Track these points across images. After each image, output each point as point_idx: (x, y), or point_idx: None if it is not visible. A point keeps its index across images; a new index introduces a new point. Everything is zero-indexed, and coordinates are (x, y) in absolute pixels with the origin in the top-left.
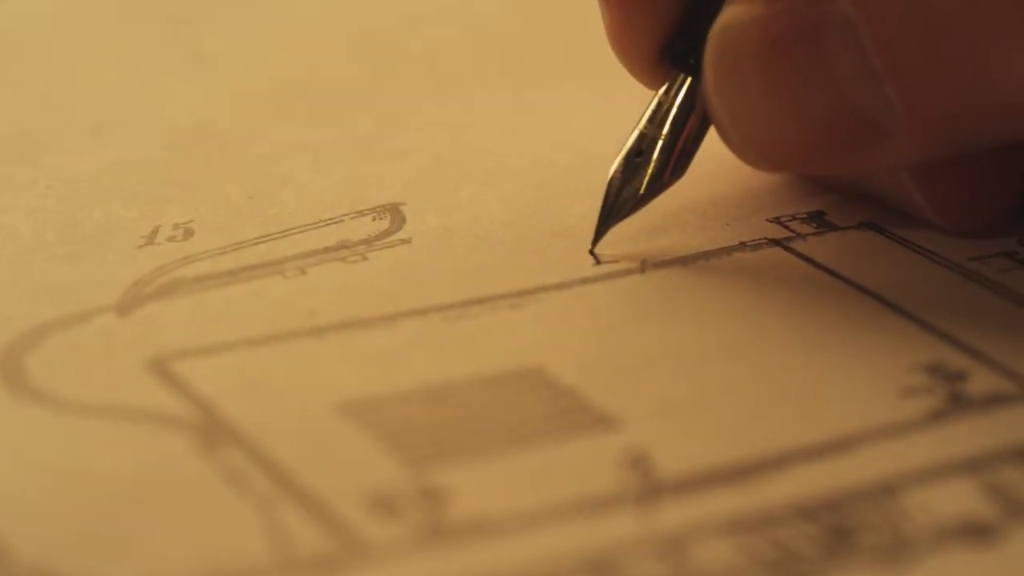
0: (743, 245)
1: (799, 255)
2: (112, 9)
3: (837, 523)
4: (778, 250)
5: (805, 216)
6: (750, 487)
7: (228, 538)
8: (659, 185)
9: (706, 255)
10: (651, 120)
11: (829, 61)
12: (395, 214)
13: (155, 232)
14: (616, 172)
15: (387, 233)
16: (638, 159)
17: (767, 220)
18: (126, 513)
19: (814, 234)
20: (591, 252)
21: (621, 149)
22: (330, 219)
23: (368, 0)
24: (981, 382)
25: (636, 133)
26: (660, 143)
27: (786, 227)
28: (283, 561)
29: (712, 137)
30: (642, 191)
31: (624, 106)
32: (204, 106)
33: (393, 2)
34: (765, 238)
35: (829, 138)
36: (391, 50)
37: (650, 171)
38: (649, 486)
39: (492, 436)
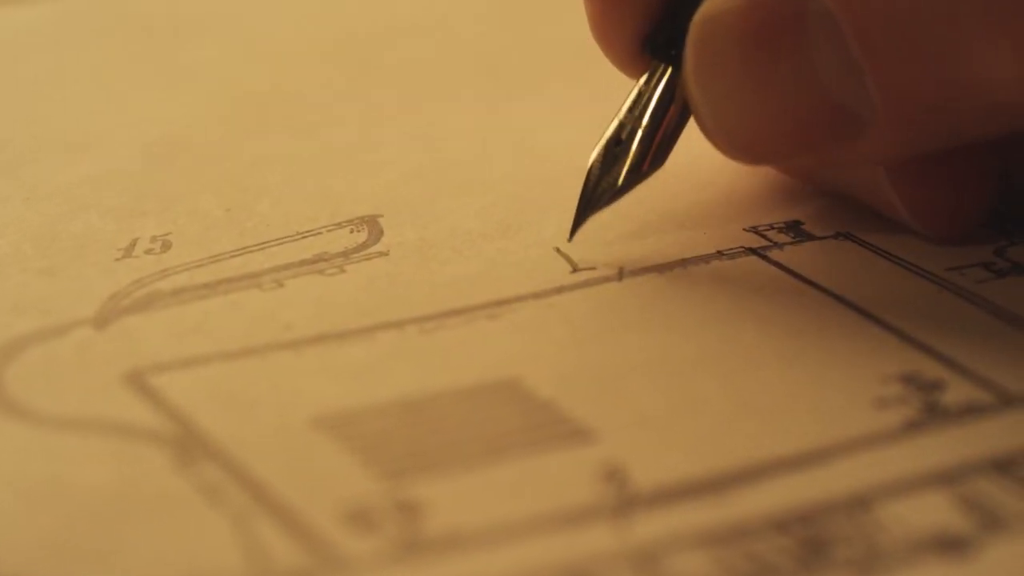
0: (720, 254)
1: (776, 264)
2: (89, 22)
3: (812, 536)
4: (755, 259)
5: (782, 225)
6: (725, 500)
7: (204, 552)
8: (638, 175)
9: (683, 263)
10: (631, 110)
11: (809, 52)
12: (373, 226)
13: (133, 245)
14: (595, 161)
15: (365, 245)
16: (617, 148)
17: (744, 229)
18: (103, 526)
19: (791, 243)
20: (570, 238)
21: (600, 138)
22: (308, 231)
23: (345, 13)
24: (957, 392)
25: (616, 122)
26: (640, 133)
27: (763, 236)
28: (259, 574)
29: (690, 145)
30: (620, 181)
31: (598, 118)
32: (181, 119)
33: (370, 15)
34: (742, 247)
35: (806, 130)
36: (368, 62)
37: (629, 161)
38: (625, 499)
39: (469, 449)
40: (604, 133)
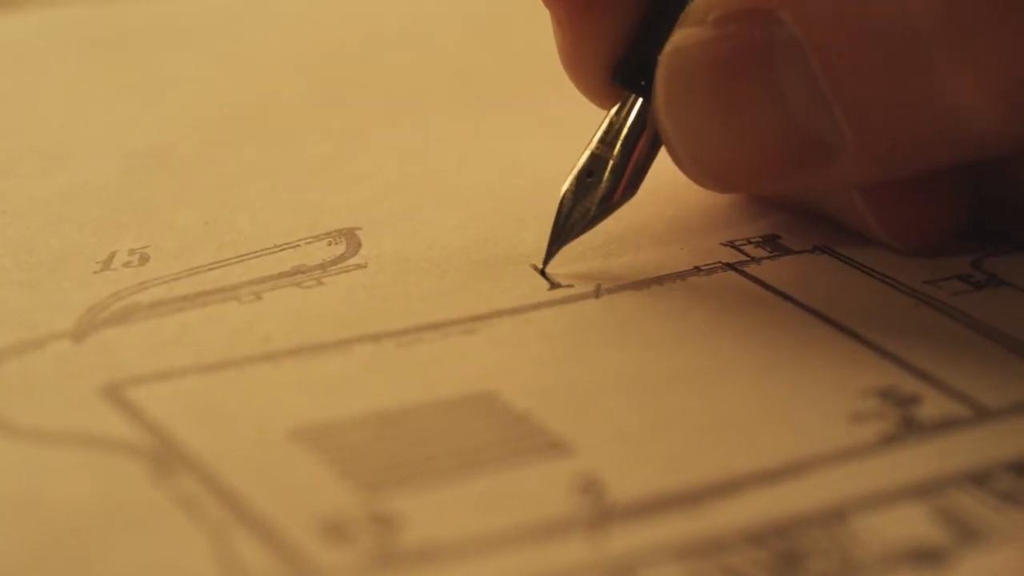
0: (697, 269)
1: (753, 279)
2: (66, 35)
3: (787, 548)
4: (732, 274)
5: (759, 240)
6: (701, 512)
7: (181, 564)
8: (609, 206)
9: (660, 279)
10: (602, 140)
11: (778, 83)
12: (351, 239)
13: (111, 258)
14: (568, 191)
15: (342, 258)
16: (589, 179)
17: (721, 244)
18: (81, 539)
19: (768, 258)
20: (542, 272)
21: (573, 168)
22: (286, 244)
23: (323, 26)
24: (933, 406)
25: (587, 153)
26: (611, 163)
27: (740, 251)
28: None
29: (666, 160)
30: (593, 212)
31: (577, 132)
32: (159, 131)
33: (349, 28)
34: (719, 262)
35: (777, 158)
36: (346, 76)
37: (601, 192)
38: (600, 511)
39: (445, 461)
40: (576, 163)
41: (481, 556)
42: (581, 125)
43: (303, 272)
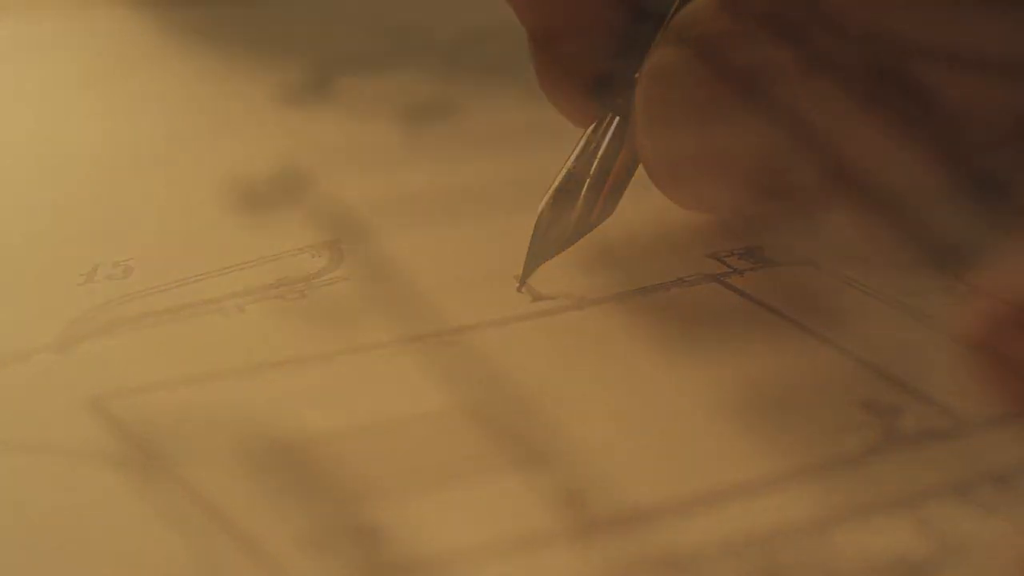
0: (681, 280)
1: (736, 290)
2: (46, 45)
3: (770, 562)
4: (715, 285)
5: (743, 251)
6: (683, 525)
7: None
8: (586, 225)
9: (643, 290)
10: (579, 159)
11: (759, 105)
12: (334, 252)
13: (94, 270)
14: (545, 209)
15: (326, 270)
16: (566, 197)
17: (705, 256)
18: (62, 552)
19: (751, 269)
20: (519, 290)
21: (550, 186)
22: (269, 256)
23: (302, 39)
24: (915, 417)
25: (564, 171)
26: (588, 182)
27: (724, 262)
28: None
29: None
30: (570, 230)
31: (559, 147)
32: (142, 143)
33: (329, 44)
34: (703, 273)
35: (757, 181)
36: (329, 88)
37: (578, 211)
38: (583, 523)
39: (428, 474)
40: (553, 182)
41: (464, 568)
42: (562, 139)
43: (286, 284)
